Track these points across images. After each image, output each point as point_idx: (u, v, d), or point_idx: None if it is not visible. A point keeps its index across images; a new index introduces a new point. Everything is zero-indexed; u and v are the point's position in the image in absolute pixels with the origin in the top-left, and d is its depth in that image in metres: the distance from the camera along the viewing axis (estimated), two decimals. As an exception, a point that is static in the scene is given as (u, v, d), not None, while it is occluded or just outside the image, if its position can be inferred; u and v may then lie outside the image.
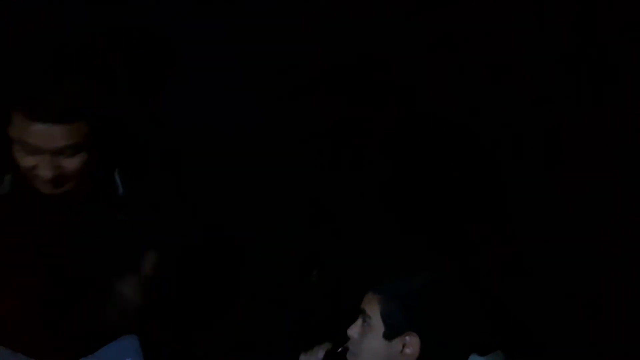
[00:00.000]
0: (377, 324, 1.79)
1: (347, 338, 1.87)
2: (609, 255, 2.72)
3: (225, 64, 2.85)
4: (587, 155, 2.80)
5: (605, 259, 2.72)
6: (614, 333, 2.64)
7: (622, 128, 2.76)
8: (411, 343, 1.75)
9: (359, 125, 3.02)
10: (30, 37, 2.48)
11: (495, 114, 2.90)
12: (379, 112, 3.02)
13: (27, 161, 1.65)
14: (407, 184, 2.99)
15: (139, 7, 2.71)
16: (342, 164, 3.01)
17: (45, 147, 1.61)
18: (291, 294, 2.91)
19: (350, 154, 3.02)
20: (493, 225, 2.88)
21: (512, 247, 2.83)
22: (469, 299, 1.85)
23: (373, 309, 1.81)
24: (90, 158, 1.69)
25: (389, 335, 1.79)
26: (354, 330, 1.84)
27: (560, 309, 2.73)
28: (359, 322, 1.83)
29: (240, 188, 2.82)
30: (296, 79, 2.97)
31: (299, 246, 2.95)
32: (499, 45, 2.86)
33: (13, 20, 2.56)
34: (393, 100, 3.03)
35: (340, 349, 1.89)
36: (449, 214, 2.93)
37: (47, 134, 1.59)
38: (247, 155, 2.84)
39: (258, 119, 2.89)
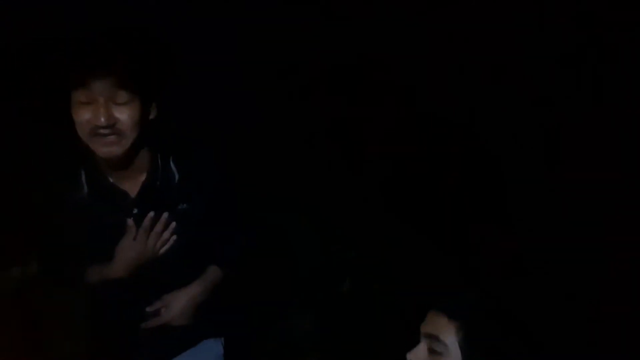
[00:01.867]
0: (454, 352, 1.61)
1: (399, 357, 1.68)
2: (609, 255, 2.72)
3: (225, 64, 2.85)
4: (587, 155, 2.81)
5: (605, 259, 2.72)
6: (614, 333, 2.64)
7: (622, 128, 2.76)
8: None
9: (359, 125, 3.02)
10: (30, 36, 2.49)
11: (495, 114, 2.91)
12: (379, 112, 3.02)
13: (83, 115, 1.77)
14: (407, 184, 3.00)
15: (139, 7, 2.71)
16: (342, 164, 3.01)
17: (98, 92, 1.74)
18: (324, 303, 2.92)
19: (350, 154, 3.03)
20: (493, 225, 2.88)
21: (512, 247, 2.83)
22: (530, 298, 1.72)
23: (448, 335, 1.62)
24: (141, 113, 1.80)
25: None
26: (419, 357, 1.66)
27: (560, 309, 2.74)
28: (424, 347, 1.65)
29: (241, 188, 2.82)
30: (296, 79, 2.98)
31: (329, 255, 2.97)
32: (499, 45, 2.86)
33: (14, 20, 2.56)
34: (393, 100, 3.03)
35: None
36: (449, 214, 2.93)
37: (98, 80, 1.74)
38: (247, 155, 2.85)
39: (258, 119, 2.89)
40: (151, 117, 1.88)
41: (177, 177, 1.95)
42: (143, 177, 1.92)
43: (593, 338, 2.62)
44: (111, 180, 1.91)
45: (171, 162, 1.95)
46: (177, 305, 2.04)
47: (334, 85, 3.01)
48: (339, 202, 3.00)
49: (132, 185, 1.92)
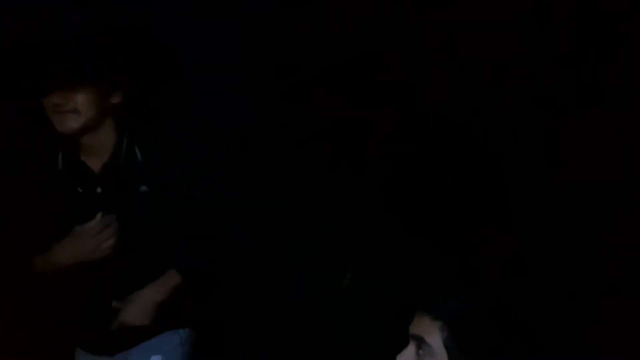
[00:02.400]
0: (440, 353, 1.61)
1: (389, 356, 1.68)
2: (609, 255, 2.72)
3: (225, 64, 2.85)
4: (587, 155, 2.80)
5: (605, 259, 2.72)
6: (614, 333, 2.64)
7: (622, 128, 2.76)
8: None
9: (359, 125, 3.02)
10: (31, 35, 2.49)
11: (495, 114, 2.90)
12: (379, 112, 3.02)
13: (47, 97, 1.99)
14: (407, 184, 3.00)
15: (139, 7, 2.71)
16: (342, 164, 3.01)
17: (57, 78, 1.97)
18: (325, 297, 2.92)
19: (350, 154, 3.03)
20: (493, 225, 2.88)
21: (512, 247, 2.83)
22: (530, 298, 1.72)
23: (433, 336, 1.63)
24: (98, 95, 2.02)
25: None
26: (407, 359, 1.66)
27: (560, 309, 2.73)
28: (412, 349, 1.65)
29: (241, 188, 2.82)
30: (296, 79, 2.97)
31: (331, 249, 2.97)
32: (499, 45, 2.86)
33: (14, 20, 2.56)
34: (393, 100, 3.03)
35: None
36: (449, 214, 2.93)
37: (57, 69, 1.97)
38: (247, 154, 2.85)
39: (258, 119, 2.89)
40: (113, 101, 2.08)
41: (139, 158, 2.10)
42: (108, 156, 2.11)
43: (593, 338, 2.63)
44: (81, 158, 2.11)
45: (136, 146, 2.11)
46: (135, 306, 2.15)
47: (334, 85, 3.01)
48: (339, 202, 3.00)
49: (97, 164, 2.11)
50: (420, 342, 1.65)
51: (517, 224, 2.87)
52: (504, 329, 1.67)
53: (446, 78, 2.92)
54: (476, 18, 2.87)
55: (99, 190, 2.11)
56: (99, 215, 2.10)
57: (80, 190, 2.11)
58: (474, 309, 1.69)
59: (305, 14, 2.90)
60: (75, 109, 2.01)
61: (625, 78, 2.77)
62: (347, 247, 2.99)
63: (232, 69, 2.88)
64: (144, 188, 2.11)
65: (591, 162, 2.78)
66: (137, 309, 2.16)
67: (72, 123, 2.02)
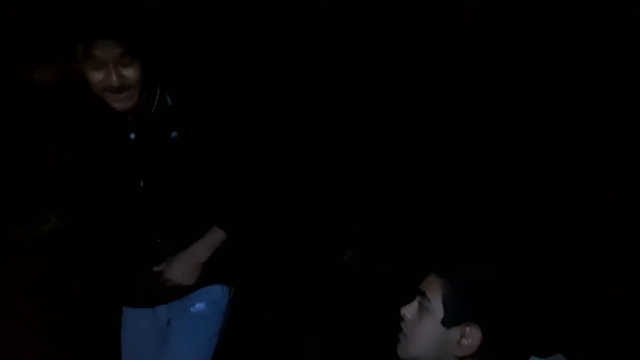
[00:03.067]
0: (437, 309, 1.68)
1: (397, 317, 1.75)
2: (608, 255, 2.72)
3: (226, 64, 2.85)
4: (586, 155, 2.81)
5: (605, 259, 2.72)
6: (614, 333, 2.64)
7: (622, 128, 2.76)
8: (471, 334, 1.66)
9: (359, 125, 3.02)
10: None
11: (495, 114, 2.91)
12: (379, 112, 3.02)
13: (96, 77, 2.04)
14: (407, 184, 3.00)
15: (139, 7, 2.71)
16: (342, 164, 3.01)
17: (107, 58, 2.01)
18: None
19: (350, 154, 3.03)
20: (493, 225, 2.88)
21: (512, 247, 2.83)
22: (530, 298, 1.77)
23: (435, 292, 1.69)
24: (144, 68, 2.06)
25: (448, 323, 1.68)
26: (408, 311, 1.73)
27: (560, 309, 2.74)
28: (415, 303, 1.73)
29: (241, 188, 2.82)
30: (296, 79, 2.98)
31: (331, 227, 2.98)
32: (499, 45, 2.86)
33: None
34: (393, 100, 3.03)
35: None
36: (449, 214, 2.93)
37: (106, 47, 2.01)
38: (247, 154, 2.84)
39: (258, 119, 2.89)
40: (152, 72, 2.14)
41: (169, 103, 2.16)
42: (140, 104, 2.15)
43: (593, 337, 2.63)
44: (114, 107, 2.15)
45: (166, 94, 2.17)
46: (179, 268, 2.22)
47: (334, 85, 3.01)
48: (339, 201, 3.00)
49: (130, 111, 2.14)
50: (423, 297, 1.72)
51: (516, 224, 2.87)
52: (485, 292, 1.69)
53: (446, 78, 2.92)
54: (476, 18, 2.87)
55: (132, 136, 2.15)
56: None
57: (115, 138, 2.16)
58: (479, 275, 1.73)
59: (305, 15, 2.90)
60: (129, 87, 2.06)
61: (625, 78, 2.78)
62: (347, 227, 3.01)
63: (232, 70, 2.88)
64: (174, 134, 2.16)
65: (591, 162, 2.78)
66: (184, 268, 2.22)
67: (130, 102, 2.08)
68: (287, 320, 2.94)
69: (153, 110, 2.15)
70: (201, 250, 2.23)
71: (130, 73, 2.04)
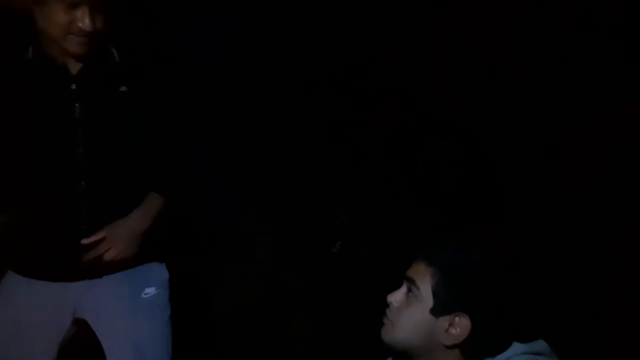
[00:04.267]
0: (426, 297, 1.66)
1: (383, 303, 1.73)
2: (608, 255, 2.72)
3: (226, 64, 2.85)
4: (586, 155, 2.81)
5: (605, 259, 2.72)
6: (614, 333, 2.64)
7: (622, 128, 2.76)
8: (460, 324, 1.64)
9: (359, 125, 3.02)
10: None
11: (495, 114, 2.90)
12: (379, 112, 3.02)
13: (63, 17, 1.89)
14: (406, 184, 3.00)
15: (140, 7, 2.71)
16: (342, 164, 3.01)
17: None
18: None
19: (350, 154, 3.03)
20: (493, 225, 2.88)
21: (512, 248, 2.83)
22: (516, 282, 1.76)
23: (424, 280, 1.67)
24: (109, 21, 1.94)
25: (437, 312, 1.66)
26: (395, 298, 1.70)
27: (559, 309, 2.74)
28: (403, 289, 1.71)
29: (241, 187, 2.83)
30: (297, 79, 2.97)
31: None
32: (499, 45, 2.86)
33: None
34: (393, 100, 3.03)
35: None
36: (449, 214, 2.93)
37: None
38: (248, 153, 2.85)
39: (259, 119, 2.89)
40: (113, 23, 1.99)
41: (117, 57, 2.02)
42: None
43: (592, 337, 2.63)
44: (53, 52, 1.98)
45: (114, 49, 2.03)
46: (118, 238, 2.03)
47: (334, 85, 3.01)
48: (339, 201, 3.00)
49: (74, 63, 2.00)
50: (412, 285, 1.70)
51: (516, 224, 2.87)
52: (475, 282, 1.68)
53: (446, 78, 2.92)
54: (476, 18, 2.87)
55: (73, 86, 1.99)
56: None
57: (50, 91, 1.99)
58: (470, 264, 1.70)
59: (305, 15, 2.90)
60: (93, 36, 1.93)
61: (625, 78, 2.78)
62: (337, 217, 3.01)
63: (232, 70, 2.88)
64: (123, 88, 2.02)
65: (591, 162, 2.78)
66: (123, 237, 2.03)
67: (88, 49, 1.94)
68: (273, 305, 2.93)
69: (97, 61, 1.98)
70: (141, 218, 2.05)
71: (102, 20, 1.91)
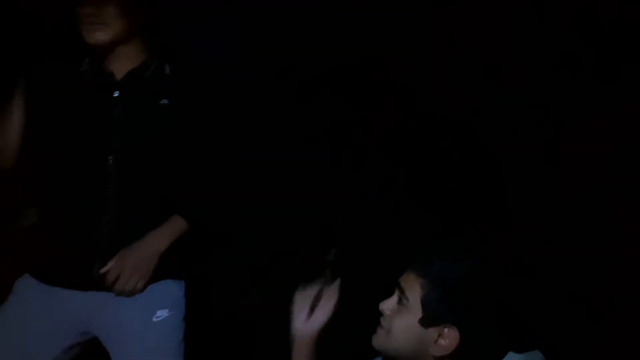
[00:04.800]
0: (415, 308, 1.67)
1: (375, 311, 1.73)
2: (608, 255, 2.72)
3: (226, 64, 2.85)
4: (586, 155, 2.81)
5: (605, 258, 2.72)
6: (614, 333, 2.64)
7: (622, 128, 2.76)
8: (448, 336, 1.64)
9: (359, 125, 3.02)
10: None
11: (495, 114, 2.91)
12: (379, 112, 3.02)
13: (79, 8, 1.97)
14: (406, 184, 3.00)
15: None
16: (342, 164, 3.01)
17: None
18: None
19: (350, 154, 3.03)
20: (493, 225, 2.88)
21: (512, 248, 2.83)
22: (509, 292, 1.76)
23: (413, 291, 1.68)
24: (128, 7, 1.99)
25: (425, 323, 1.67)
26: (386, 306, 1.71)
27: (559, 309, 2.74)
28: (395, 298, 1.71)
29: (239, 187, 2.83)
30: (297, 79, 2.98)
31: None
32: (499, 45, 2.86)
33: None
34: (393, 100, 3.03)
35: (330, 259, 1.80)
36: (449, 214, 2.93)
37: None
38: (248, 153, 2.85)
39: (259, 119, 2.89)
40: (143, 18, 2.06)
41: (167, 71, 2.07)
42: (134, 66, 2.06)
43: (592, 337, 2.63)
44: (107, 65, 2.05)
45: (166, 63, 2.08)
46: (134, 257, 2.01)
47: (334, 85, 3.01)
48: (339, 201, 3.00)
49: (121, 71, 2.05)
50: (402, 294, 1.70)
51: (516, 224, 2.87)
52: (463, 295, 1.68)
53: (446, 78, 2.92)
54: (476, 18, 2.87)
55: (116, 94, 2.03)
56: None
57: (95, 96, 2.03)
58: (461, 275, 1.69)
59: (305, 15, 2.90)
60: (105, 21, 1.97)
61: (625, 78, 2.78)
62: (333, 220, 3.00)
63: (233, 69, 2.88)
64: (164, 101, 2.04)
65: (591, 162, 2.78)
66: (139, 257, 2.01)
67: (101, 35, 1.99)
68: (268, 310, 2.92)
69: (148, 73, 2.05)
70: (160, 239, 2.03)
71: (111, 6, 1.95)
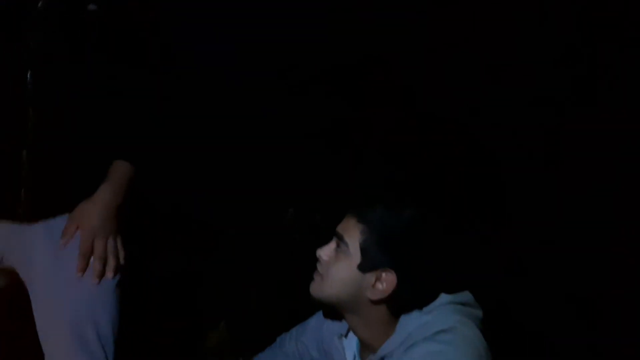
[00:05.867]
0: (354, 253, 1.67)
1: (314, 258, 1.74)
2: (608, 255, 2.72)
3: (226, 64, 2.85)
4: (586, 155, 2.81)
5: (605, 258, 2.72)
6: (614, 333, 2.64)
7: (621, 128, 2.76)
8: (386, 279, 1.66)
9: (359, 125, 3.02)
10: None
11: (495, 114, 2.91)
12: (379, 112, 3.02)
13: None
14: (406, 184, 3.00)
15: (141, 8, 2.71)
16: (341, 164, 3.01)
17: None
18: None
19: (350, 154, 3.03)
20: (493, 225, 2.88)
21: (512, 247, 2.83)
22: (448, 239, 1.76)
23: (352, 236, 1.69)
24: None
25: (364, 268, 1.68)
26: (325, 252, 1.72)
27: (559, 309, 2.74)
28: (333, 245, 1.72)
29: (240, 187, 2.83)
30: (296, 79, 2.97)
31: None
32: (499, 45, 2.86)
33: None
34: (393, 100, 3.03)
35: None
36: (449, 214, 2.93)
37: None
38: (248, 153, 2.85)
39: (259, 119, 2.89)
40: None
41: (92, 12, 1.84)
42: None
43: (592, 337, 2.63)
44: None
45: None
46: (88, 218, 1.83)
47: (334, 85, 3.01)
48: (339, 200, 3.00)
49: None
50: (340, 240, 1.72)
51: (516, 224, 2.87)
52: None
53: (446, 78, 2.92)
54: (476, 18, 2.87)
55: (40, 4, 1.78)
56: None
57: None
58: (400, 221, 1.70)
59: (305, 15, 2.90)
60: None
61: (625, 78, 2.77)
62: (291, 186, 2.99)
63: (232, 69, 2.88)
64: (92, 6, 1.82)
65: (591, 162, 2.78)
66: (105, 216, 1.83)
67: None
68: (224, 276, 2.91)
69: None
70: (111, 192, 1.83)
71: None
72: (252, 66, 2.90)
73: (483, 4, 2.84)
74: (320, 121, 2.97)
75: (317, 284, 1.74)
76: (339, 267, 1.71)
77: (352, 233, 1.70)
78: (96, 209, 1.83)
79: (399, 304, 1.71)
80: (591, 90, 2.83)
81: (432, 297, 1.73)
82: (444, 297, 1.73)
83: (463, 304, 1.75)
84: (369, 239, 1.69)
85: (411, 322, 1.70)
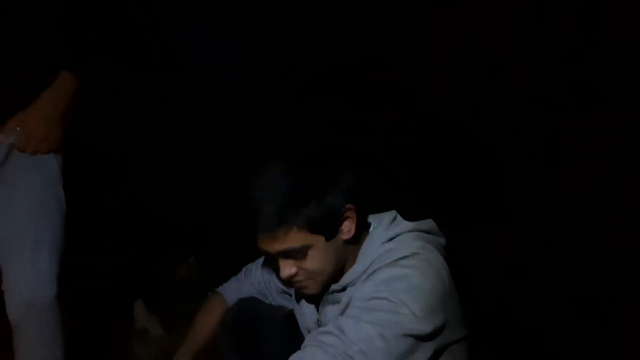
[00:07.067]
0: (314, 240, 1.64)
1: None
2: (608, 255, 2.72)
3: (226, 64, 2.85)
4: (586, 155, 2.80)
5: (605, 258, 2.72)
6: (614, 333, 2.64)
7: (621, 128, 2.76)
8: (348, 214, 1.65)
9: (359, 125, 3.02)
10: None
11: (495, 113, 2.91)
12: (379, 112, 3.02)
13: None
14: (406, 184, 3.00)
15: (141, 8, 2.71)
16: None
17: None
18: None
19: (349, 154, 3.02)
20: (493, 225, 2.88)
21: (512, 248, 2.83)
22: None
23: (297, 238, 1.64)
24: None
25: (330, 235, 1.67)
26: (287, 272, 1.69)
27: (559, 309, 2.73)
28: (287, 262, 1.67)
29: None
30: (297, 79, 2.98)
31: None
32: (499, 45, 2.86)
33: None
34: (393, 100, 3.03)
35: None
36: (449, 214, 2.93)
37: None
38: (248, 153, 2.85)
39: (259, 119, 2.89)
40: None
41: None
42: None
43: (592, 337, 2.62)
44: None
45: None
46: (31, 128, 1.80)
47: (335, 85, 3.01)
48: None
49: None
50: (289, 254, 1.67)
51: (516, 224, 2.87)
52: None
53: (446, 78, 2.92)
54: (476, 18, 2.87)
55: None
56: None
57: None
58: (296, 182, 1.67)
59: (305, 15, 2.90)
60: None
61: (625, 78, 2.77)
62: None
63: (233, 69, 2.88)
64: None
65: (591, 162, 2.78)
66: (45, 120, 1.80)
67: None
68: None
69: None
70: (52, 99, 1.79)
71: None
72: (252, 66, 2.90)
73: (483, 4, 2.84)
74: (321, 121, 2.98)
75: (313, 286, 1.73)
76: (314, 262, 1.68)
77: (294, 237, 1.65)
78: (37, 115, 1.81)
79: (362, 220, 1.71)
80: (591, 90, 2.83)
81: (387, 205, 1.73)
82: (406, 225, 1.74)
83: (425, 231, 1.75)
84: (308, 221, 1.64)
85: (374, 251, 1.70)
